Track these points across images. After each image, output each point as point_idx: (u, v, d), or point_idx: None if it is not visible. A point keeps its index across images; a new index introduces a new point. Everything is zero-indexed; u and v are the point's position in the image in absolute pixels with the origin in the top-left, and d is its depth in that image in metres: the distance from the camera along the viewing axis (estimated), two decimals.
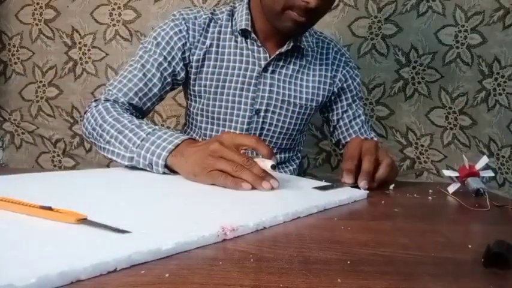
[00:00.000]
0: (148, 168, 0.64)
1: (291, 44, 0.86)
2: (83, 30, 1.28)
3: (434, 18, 1.27)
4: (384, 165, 0.70)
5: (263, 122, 0.89)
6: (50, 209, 0.36)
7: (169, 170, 0.63)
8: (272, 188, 0.55)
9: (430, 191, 0.71)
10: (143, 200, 0.47)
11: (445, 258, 0.38)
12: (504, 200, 0.67)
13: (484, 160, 0.70)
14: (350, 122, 0.98)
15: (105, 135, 0.70)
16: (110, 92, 0.78)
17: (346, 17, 1.27)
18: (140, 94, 0.80)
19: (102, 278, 0.27)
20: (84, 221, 0.35)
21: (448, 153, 1.33)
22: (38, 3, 1.28)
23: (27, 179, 0.54)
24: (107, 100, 0.77)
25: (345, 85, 0.96)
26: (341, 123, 0.99)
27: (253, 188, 0.55)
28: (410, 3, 1.26)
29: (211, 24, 0.86)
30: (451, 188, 0.70)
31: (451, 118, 1.32)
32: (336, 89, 0.95)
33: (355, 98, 0.98)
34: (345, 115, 0.98)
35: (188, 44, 0.84)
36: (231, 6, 0.90)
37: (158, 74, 0.81)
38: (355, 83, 0.97)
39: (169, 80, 0.83)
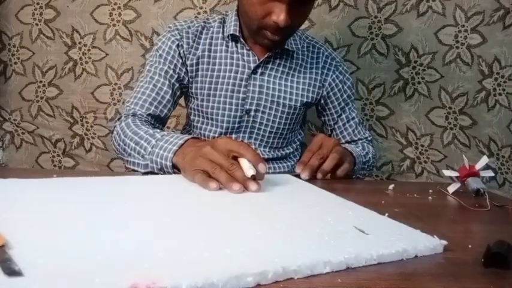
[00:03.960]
0: (162, 172, 0.69)
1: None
2: (83, 30, 1.28)
3: (434, 18, 1.27)
4: (329, 159, 0.77)
5: (253, 121, 0.94)
6: None
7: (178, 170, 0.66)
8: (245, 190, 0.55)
9: (430, 191, 0.71)
10: (98, 222, 0.40)
11: (445, 258, 0.38)
12: (504, 200, 0.67)
13: (484, 160, 0.70)
14: (344, 124, 1.03)
15: (127, 148, 0.77)
16: (128, 108, 0.87)
17: (346, 17, 1.27)
18: (155, 103, 0.87)
19: None
20: (2, 247, 0.32)
21: (448, 153, 1.33)
22: (38, 3, 1.28)
23: (28, 184, 0.52)
24: (127, 116, 0.85)
25: (336, 89, 1.00)
26: (336, 126, 1.04)
27: (222, 188, 0.55)
28: (410, 3, 1.26)
29: (204, 31, 0.93)
30: (451, 188, 0.70)
31: (451, 118, 1.32)
32: (325, 93, 0.99)
33: (348, 101, 1.02)
34: (339, 118, 1.03)
35: (183, 51, 0.91)
36: (223, 14, 0.96)
37: (167, 82, 0.89)
38: (345, 87, 1.01)
39: (177, 85, 0.91)
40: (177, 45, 0.90)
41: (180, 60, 0.90)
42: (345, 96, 1.01)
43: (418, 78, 1.31)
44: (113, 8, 1.27)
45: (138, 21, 1.27)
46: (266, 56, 0.90)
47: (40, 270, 0.29)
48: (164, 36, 0.92)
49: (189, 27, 0.92)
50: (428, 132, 1.33)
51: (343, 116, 1.02)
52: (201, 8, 1.26)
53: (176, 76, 0.90)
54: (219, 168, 0.57)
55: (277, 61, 0.93)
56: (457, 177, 0.71)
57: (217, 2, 1.26)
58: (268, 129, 0.95)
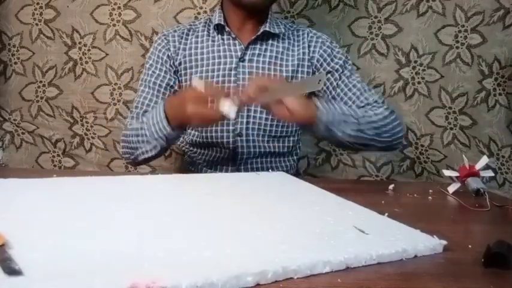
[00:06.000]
0: (170, 143, 0.85)
1: (261, 30, 0.94)
2: (83, 30, 1.28)
3: (434, 18, 1.27)
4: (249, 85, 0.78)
5: (248, 109, 0.94)
6: None
7: (180, 128, 0.82)
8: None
9: (430, 191, 0.71)
10: (98, 222, 0.40)
11: (445, 258, 0.38)
12: (504, 200, 0.67)
13: (484, 160, 0.70)
14: (346, 94, 0.95)
15: (132, 145, 0.89)
16: (128, 122, 0.97)
17: (346, 17, 1.27)
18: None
19: None
20: (2, 246, 0.33)
21: (448, 153, 1.32)
22: (38, 3, 1.28)
23: (28, 184, 0.53)
24: (127, 127, 0.96)
25: (324, 64, 0.98)
26: (338, 97, 0.95)
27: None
28: (410, 3, 1.26)
29: (190, 33, 0.99)
30: (451, 188, 0.70)
31: (451, 118, 1.32)
32: (315, 70, 0.99)
33: (346, 71, 0.97)
34: (337, 90, 0.96)
35: (170, 53, 0.96)
36: (209, 15, 1.01)
37: (156, 92, 0.95)
38: (336, 59, 0.98)
39: (168, 93, 0.96)
40: (164, 51, 0.96)
41: (167, 66, 0.96)
42: (337, 67, 0.96)
43: (418, 78, 1.31)
44: (112, 8, 1.27)
45: (138, 21, 1.27)
46: (252, 38, 0.93)
47: (40, 270, 0.30)
48: (153, 47, 0.99)
49: (175, 31, 0.98)
50: (428, 132, 1.33)
51: (342, 86, 0.95)
52: (201, 8, 1.26)
53: (164, 84, 0.96)
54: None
55: (264, 47, 0.96)
56: (457, 177, 0.71)
57: (217, 2, 1.26)
58: (264, 115, 0.94)
